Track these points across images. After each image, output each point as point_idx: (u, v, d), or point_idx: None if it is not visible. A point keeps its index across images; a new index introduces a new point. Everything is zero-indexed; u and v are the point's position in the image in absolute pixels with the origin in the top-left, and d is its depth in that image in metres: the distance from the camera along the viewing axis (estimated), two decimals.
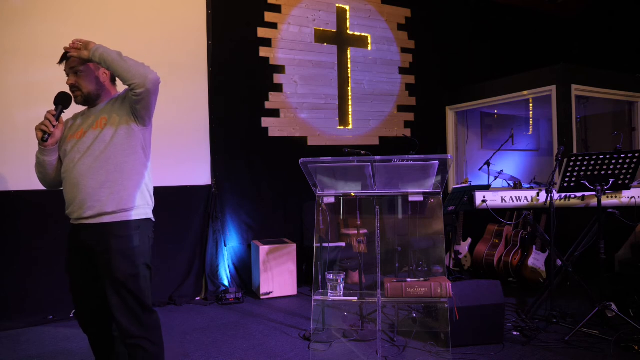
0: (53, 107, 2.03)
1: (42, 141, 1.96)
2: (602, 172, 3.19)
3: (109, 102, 2.05)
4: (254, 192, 4.70)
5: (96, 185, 1.90)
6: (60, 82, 3.80)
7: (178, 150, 4.32)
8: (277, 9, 4.83)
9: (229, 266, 4.49)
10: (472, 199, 3.80)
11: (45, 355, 3.02)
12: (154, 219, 2.08)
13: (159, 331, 2.01)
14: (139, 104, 1.92)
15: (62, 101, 2.04)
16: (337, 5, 5.18)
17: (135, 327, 1.91)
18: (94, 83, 2.03)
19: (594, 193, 3.23)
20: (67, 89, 2.07)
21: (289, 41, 4.88)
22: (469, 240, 4.96)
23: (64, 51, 1.99)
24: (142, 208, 1.99)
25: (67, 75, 2.02)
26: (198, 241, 4.37)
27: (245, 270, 4.58)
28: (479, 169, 5.04)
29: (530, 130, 6.08)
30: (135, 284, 1.91)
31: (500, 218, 3.74)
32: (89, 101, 2.06)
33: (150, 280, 2.02)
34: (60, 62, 2.00)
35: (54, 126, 1.99)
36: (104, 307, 1.94)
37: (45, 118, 1.98)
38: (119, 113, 1.97)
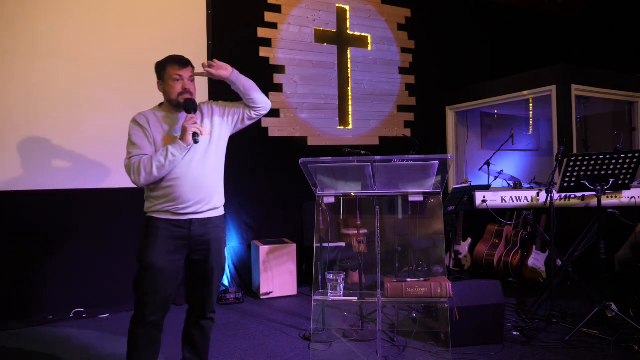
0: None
1: (195, 142, 2.14)
2: (602, 172, 3.19)
3: (201, 111, 2.30)
4: (254, 192, 4.70)
5: (214, 183, 2.27)
6: (60, 82, 3.83)
7: None
8: (277, 9, 4.83)
9: (229, 266, 4.49)
10: (472, 199, 3.80)
11: (45, 355, 3.02)
12: None
13: None
14: (254, 120, 2.41)
15: (193, 107, 2.21)
16: (337, 5, 5.18)
17: (215, 305, 2.38)
18: (195, 93, 2.30)
19: (594, 193, 3.23)
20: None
21: (289, 41, 4.88)
22: (469, 240, 4.96)
23: (186, 59, 2.25)
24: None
25: (176, 80, 2.21)
26: None
27: (245, 270, 4.58)
28: (479, 169, 5.04)
29: (530, 130, 6.07)
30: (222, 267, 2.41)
31: (500, 218, 3.74)
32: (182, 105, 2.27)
33: None
34: (184, 66, 2.22)
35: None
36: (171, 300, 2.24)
37: (190, 122, 2.15)
38: (220, 124, 2.33)
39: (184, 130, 2.13)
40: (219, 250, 2.31)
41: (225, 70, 2.25)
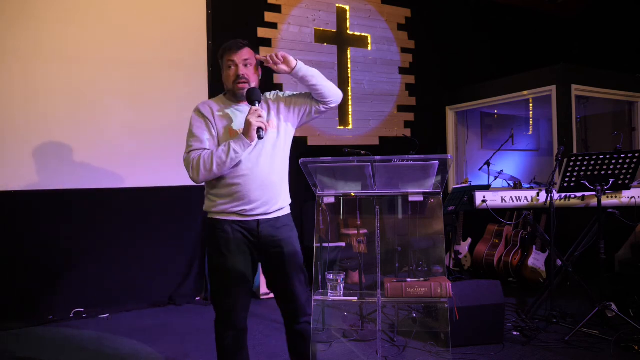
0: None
1: (260, 138, 1.95)
2: (602, 172, 3.19)
3: (267, 102, 2.11)
4: None
5: (281, 182, 2.11)
6: (60, 82, 3.83)
7: (178, 150, 4.30)
8: (277, 9, 4.83)
9: None
10: (472, 199, 3.80)
11: (45, 355, 3.02)
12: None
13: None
14: (323, 114, 2.16)
15: (257, 97, 2.00)
16: (337, 5, 5.18)
17: (309, 306, 2.13)
18: (257, 80, 2.10)
19: (594, 193, 3.23)
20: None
21: (289, 41, 4.88)
22: (469, 240, 4.95)
23: (240, 42, 2.03)
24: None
25: (229, 67, 2.03)
26: (198, 241, 4.37)
27: None
28: (479, 169, 5.03)
29: (530, 130, 6.07)
30: (302, 265, 2.20)
31: (500, 218, 3.73)
32: (249, 98, 2.02)
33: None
34: (237, 50, 2.01)
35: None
36: (249, 301, 2.14)
37: (254, 115, 1.93)
38: (287, 117, 2.11)
39: (248, 125, 1.92)
40: (292, 251, 2.16)
41: (286, 66, 2.00)
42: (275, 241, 2.09)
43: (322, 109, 2.13)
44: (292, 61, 2.00)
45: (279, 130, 2.09)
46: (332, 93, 2.09)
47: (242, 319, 2.12)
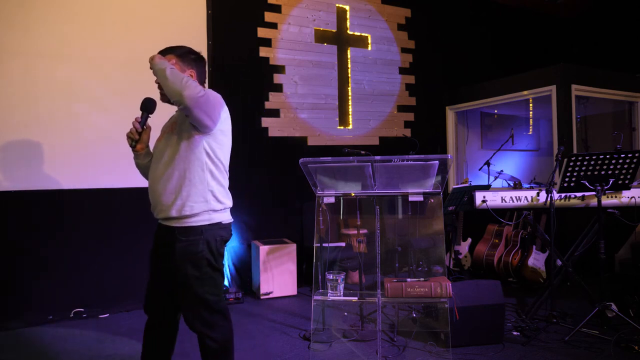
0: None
1: (132, 147, 2.08)
2: (602, 172, 3.19)
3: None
4: (254, 191, 4.70)
5: (164, 192, 1.98)
6: (60, 82, 3.83)
7: None
8: (277, 9, 4.83)
9: (229, 266, 4.49)
10: (472, 199, 3.80)
11: (45, 355, 3.02)
12: (227, 221, 2.08)
13: (225, 330, 2.06)
14: (188, 118, 1.93)
15: (146, 107, 2.07)
16: (337, 5, 5.18)
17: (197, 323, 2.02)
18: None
19: (594, 193, 3.23)
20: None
21: (289, 41, 4.88)
22: (469, 240, 4.95)
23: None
24: (207, 214, 2.00)
25: None
26: None
27: (245, 270, 4.58)
28: (479, 169, 5.03)
29: (530, 130, 6.08)
30: (200, 285, 1.98)
31: (500, 218, 3.73)
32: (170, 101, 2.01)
33: (219, 282, 2.08)
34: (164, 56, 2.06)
35: (139, 133, 2.08)
36: (173, 302, 2.08)
37: (132, 125, 2.06)
38: (185, 119, 1.97)
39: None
40: (180, 267, 2.00)
41: (151, 62, 1.95)
42: (167, 252, 2.06)
43: (185, 113, 1.90)
44: (155, 59, 1.95)
45: (174, 137, 2.00)
46: (170, 93, 1.88)
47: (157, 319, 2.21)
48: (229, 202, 2.09)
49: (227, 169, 2.10)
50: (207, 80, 4.43)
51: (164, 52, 2.07)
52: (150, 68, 1.95)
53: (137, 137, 2.06)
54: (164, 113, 2.20)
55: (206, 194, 1.98)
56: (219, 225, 2.03)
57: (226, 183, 2.09)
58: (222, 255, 2.08)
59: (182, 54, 2.10)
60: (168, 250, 2.00)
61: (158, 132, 2.16)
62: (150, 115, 2.09)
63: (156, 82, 2.00)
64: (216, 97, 1.96)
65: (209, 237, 1.99)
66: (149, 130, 2.12)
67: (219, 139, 2.02)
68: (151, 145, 2.17)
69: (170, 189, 1.96)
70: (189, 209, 1.95)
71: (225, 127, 2.05)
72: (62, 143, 3.82)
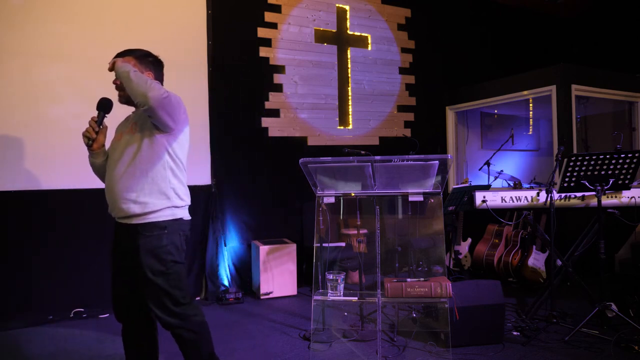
0: (96, 113, 2.15)
1: (87, 146, 2.11)
2: (602, 172, 3.19)
3: None
4: (254, 192, 4.70)
5: (125, 190, 2.02)
6: (60, 82, 3.83)
7: None
8: (277, 9, 4.83)
9: (229, 266, 4.49)
10: (472, 199, 3.80)
11: (45, 355, 3.02)
12: (187, 218, 2.16)
13: (197, 318, 2.13)
14: (151, 118, 2.00)
15: (102, 107, 2.13)
16: (337, 5, 5.18)
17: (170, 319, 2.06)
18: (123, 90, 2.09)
19: (594, 193, 3.23)
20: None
21: (289, 41, 4.88)
22: (469, 240, 4.96)
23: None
24: (169, 210, 2.06)
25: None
26: (198, 241, 4.37)
27: (245, 270, 4.58)
28: (479, 169, 5.03)
29: (530, 130, 6.08)
30: (165, 280, 2.02)
31: (500, 218, 3.74)
32: (130, 102, 2.09)
33: (183, 276, 2.14)
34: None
35: (96, 132, 2.11)
36: (138, 301, 2.09)
37: (89, 124, 2.10)
38: (146, 119, 2.04)
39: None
40: (145, 262, 2.04)
41: (112, 65, 2.05)
42: (129, 250, 2.10)
43: (148, 114, 1.97)
44: (117, 62, 2.05)
45: (134, 137, 2.07)
46: (134, 94, 1.94)
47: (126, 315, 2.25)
48: (188, 199, 2.17)
49: (186, 167, 2.17)
50: (207, 81, 4.46)
51: (123, 54, 2.14)
52: (111, 70, 2.05)
53: (94, 136, 2.11)
54: (118, 113, 2.26)
55: (168, 191, 2.05)
56: (180, 220, 2.11)
57: (185, 181, 2.16)
58: (184, 251, 2.15)
59: (140, 56, 2.18)
60: (129, 248, 2.03)
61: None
62: (106, 115, 2.15)
63: (114, 82, 2.09)
64: (177, 99, 2.04)
65: (172, 231, 2.06)
66: (105, 130, 2.18)
67: (179, 138, 2.10)
68: (107, 145, 2.22)
69: (132, 186, 2.01)
70: (151, 205, 2.01)
71: (185, 127, 2.13)
72: (62, 143, 3.81)
